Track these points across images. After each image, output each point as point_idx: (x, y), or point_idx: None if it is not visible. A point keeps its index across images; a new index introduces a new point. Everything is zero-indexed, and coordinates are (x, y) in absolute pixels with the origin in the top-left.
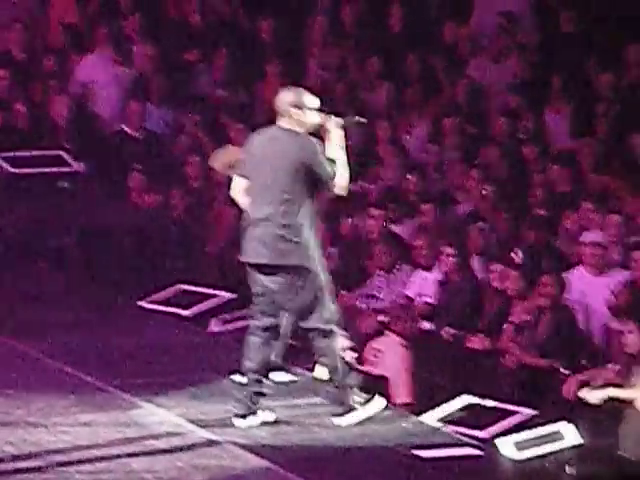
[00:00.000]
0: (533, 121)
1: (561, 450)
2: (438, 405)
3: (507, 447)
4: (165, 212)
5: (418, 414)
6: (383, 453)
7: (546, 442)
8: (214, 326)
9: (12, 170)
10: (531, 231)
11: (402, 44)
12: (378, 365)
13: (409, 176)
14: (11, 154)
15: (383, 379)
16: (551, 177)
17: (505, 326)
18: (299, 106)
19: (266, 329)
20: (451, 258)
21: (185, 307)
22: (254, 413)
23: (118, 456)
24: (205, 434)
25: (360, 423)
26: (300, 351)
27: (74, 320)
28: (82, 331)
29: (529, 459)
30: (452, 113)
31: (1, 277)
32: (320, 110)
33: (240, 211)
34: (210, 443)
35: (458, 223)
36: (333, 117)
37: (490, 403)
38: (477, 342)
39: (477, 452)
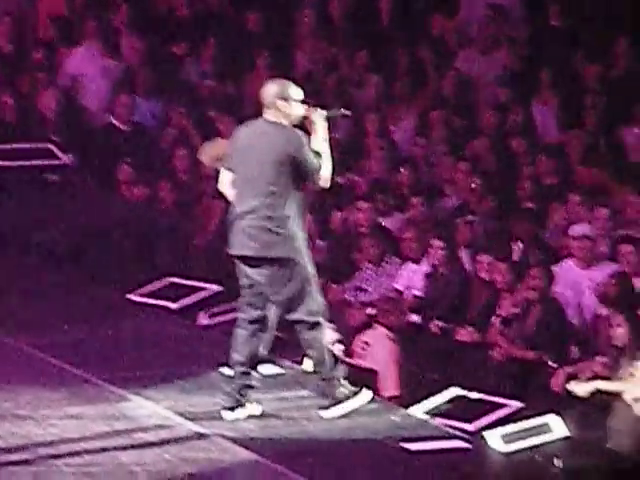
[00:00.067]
0: (521, 114)
1: (549, 443)
2: (426, 398)
3: (495, 440)
4: (153, 205)
5: (406, 407)
6: (371, 446)
7: (534, 435)
8: (202, 319)
9: (0, 163)
10: (519, 224)
11: (390, 37)
12: (366, 358)
13: (398, 169)
14: None
15: (371, 372)
16: (539, 170)
17: (493, 319)
18: (285, 98)
19: (253, 322)
20: (440, 251)
21: (173, 300)
22: (242, 406)
23: (107, 449)
24: (193, 427)
25: (347, 415)
26: (288, 344)
27: (62, 313)
28: (70, 324)
29: (517, 451)
30: (440, 106)
31: None
32: (304, 102)
33: (228, 204)
34: (198, 436)
35: (447, 216)
36: (318, 109)
37: (478, 396)
38: (465, 335)
39: (465, 445)
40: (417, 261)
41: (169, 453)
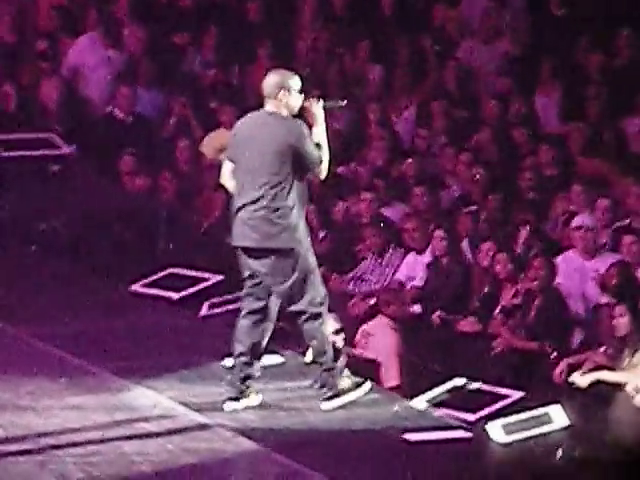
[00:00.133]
0: (523, 104)
1: (550, 433)
2: (428, 388)
3: (496, 430)
4: (155, 195)
5: (408, 397)
6: (373, 436)
7: (535, 425)
8: (204, 309)
9: (1, 153)
10: (521, 214)
11: (392, 27)
12: (368, 348)
13: (399, 159)
14: (0, 137)
15: (373, 362)
16: (541, 160)
17: (495, 310)
18: (286, 88)
19: (256, 312)
20: (441, 241)
21: (175, 290)
22: (245, 396)
23: (108, 439)
24: (196, 417)
25: (348, 406)
26: (289, 334)
27: (64, 303)
28: (72, 314)
29: (518, 442)
30: (442, 96)
31: None
32: (303, 93)
33: (229, 195)
34: (201, 426)
35: (449, 206)
36: (317, 100)
37: (479, 386)
38: (467, 325)
39: (466, 435)
40: (419, 252)
41: (171, 443)
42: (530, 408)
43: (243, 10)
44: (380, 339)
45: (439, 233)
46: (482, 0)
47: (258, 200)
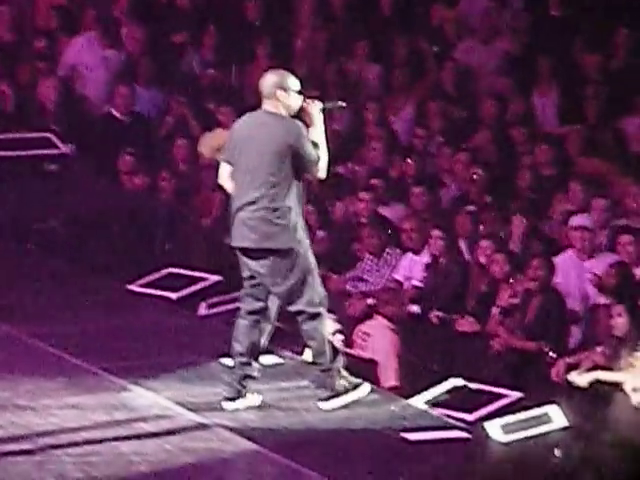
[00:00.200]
0: (522, 104)
1: (548, 433)
2: (426, 388)
3: (495, 430)
4: (153, 195)
5: (406, 397)
6: (371, 436)
7: (534, 425)
8: (203, 309)
9: None
10: (519, 214)
11: (390, 27)
12: (367, 348)
13: (398, 159)
14: None
15: (371, 362)
16: (539, 160)
17: (493, 309)
18: (284, 88)
19: (254, 312)
20: (440, 241)
21: (174, 290)
22: (243, 396)
23: (107, 439)
24: (194, 417)
25: (346, 406)
26: (288, 334)
27: (63, 303)
28: (71, 314)
29: (517, 442)
30: (440, 96)
31: None
32: (301, 93)
33: (227, 196)
34: (199, 426)
35: (447, 206)
36: (315, 101)
37: (478, 386)
38: (465, 325)
39: (465, 435)
40: (418, 252)
41: (169, 443)
42: (528, 408)
43: (242, 10)
44: (378, 339)
45: (437, 233)
46: (481, 0)
47: (257, 200)
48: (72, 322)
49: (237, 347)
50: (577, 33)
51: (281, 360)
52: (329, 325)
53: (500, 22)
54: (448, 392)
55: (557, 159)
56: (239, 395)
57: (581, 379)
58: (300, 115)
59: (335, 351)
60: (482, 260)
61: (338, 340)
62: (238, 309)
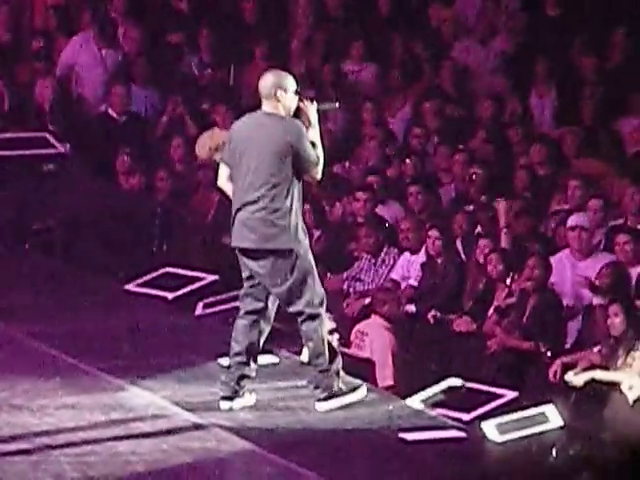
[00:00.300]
0: (518, 104)
1: (545, 432)
2: (423, 388)
3: (491, 429)
4: (150, 195)
5: (403, 397)
6: (368, 436)
7: (530, 425)
8: (199, 309)
9: None
10: (516, 214)
11: (387, 26)
12: (363, 348)
13: (395, 159)
14: None
15: (368, 362)
16: (536, 160)
17: (490, 309)
18: (283, 88)
19: (254, 312)
20: (436, 241)
21: (171, 290)
22: (240, 396)
23: (103, 438)
24: (190, 417)
25: (343, 407)
26: (285, 334)
27: (59, 303)
28: (67, 314)
29: (513, 441)
30: (437, 95)
31: None
32: (298, 94)
33: (224, 196)
34: (195, 426)
35: (444, 206)
36: (312, 101)
37: (474, 386)
38: (462, 325)
39: (461, 434)
40: (415, 251)
41: (166, 443)
42: (525, 407)
43: (238, 10)
44: (375, 339)
45: (434, 233)
46: (477, 0)
47: (257, 201)
48: (68, 322)
49: (235, 347)
50: (574, 33)
51: (277, 360)
52: (327, 325)
53: (497, 22)
54: (445, 392)
55: (553, 159)
56: (236, 395)
57: (577, 379)
58: (297, 115)
59: (334, 352)
60: (480, 254)
61: (334, 339)
62: (237, 309)
